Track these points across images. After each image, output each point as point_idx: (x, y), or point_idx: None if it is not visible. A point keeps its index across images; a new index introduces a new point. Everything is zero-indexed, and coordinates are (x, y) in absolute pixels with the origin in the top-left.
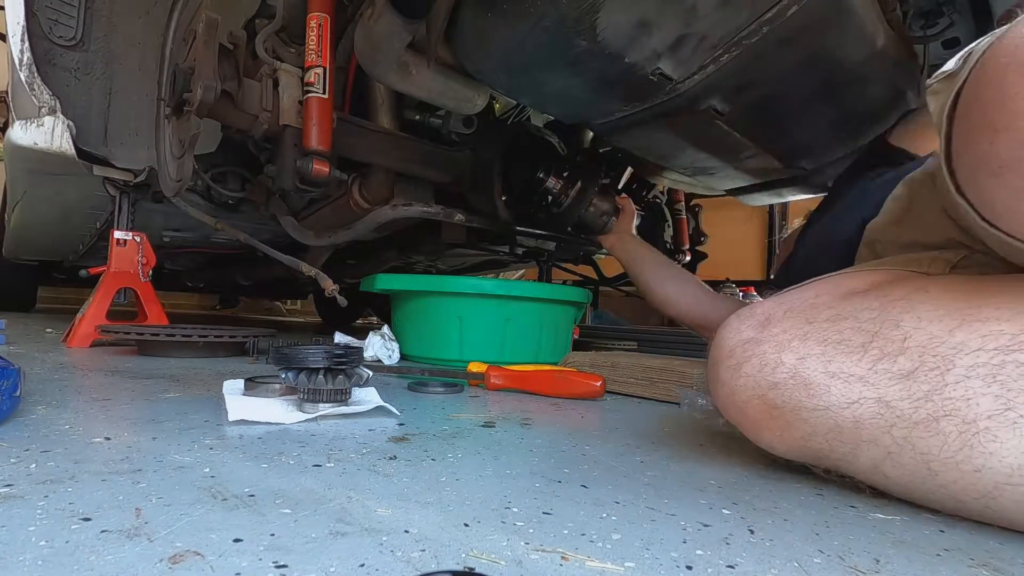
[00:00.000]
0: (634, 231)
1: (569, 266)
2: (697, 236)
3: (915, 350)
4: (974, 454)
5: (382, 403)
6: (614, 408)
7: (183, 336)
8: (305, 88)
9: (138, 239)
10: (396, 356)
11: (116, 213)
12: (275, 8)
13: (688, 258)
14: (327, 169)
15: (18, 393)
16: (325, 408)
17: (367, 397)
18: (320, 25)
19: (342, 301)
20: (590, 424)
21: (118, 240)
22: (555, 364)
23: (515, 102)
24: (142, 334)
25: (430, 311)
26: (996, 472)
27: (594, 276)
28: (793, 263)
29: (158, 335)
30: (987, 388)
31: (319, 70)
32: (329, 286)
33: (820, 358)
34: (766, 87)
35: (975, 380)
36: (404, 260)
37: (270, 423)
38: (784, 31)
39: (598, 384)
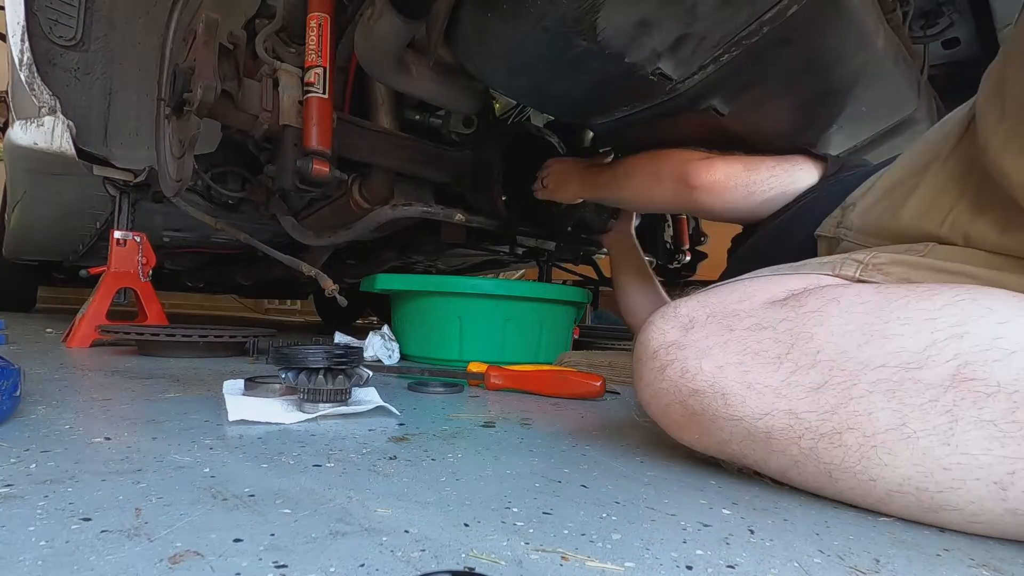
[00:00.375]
0: (633, 230)
1: (569, 266)
2: (697, 236)
3: (825, 364)
4: (871, 465)
5: (382, 403)
6: (614, 408)
7: (183, 336)
8: (305, 88)
9: (138, 239)
10: (396, 356)
11: (116, 213)
12: (275, 8)
13: (688, 258)
14: (327, 169)
15: (18, 393)
16: (325, 408)
17: (367, 397)
18: (320, 25)
19: (342, 301)
20: (590, 424)
21: (118, 240)
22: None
23: (515, 102)
24: (142, 334)
25: (430, 311)
26: (888, 482)
27: (594, 276)
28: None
29: (158, 335)
30: (887, 403)
31: (319, 70)
32: (329, 286)
33: (738, 368)
34: (766, 87)
35: (877, 395)
36: (404, 260)
37: (270, 423)
38: (784, 31)
39: (598, 384)
